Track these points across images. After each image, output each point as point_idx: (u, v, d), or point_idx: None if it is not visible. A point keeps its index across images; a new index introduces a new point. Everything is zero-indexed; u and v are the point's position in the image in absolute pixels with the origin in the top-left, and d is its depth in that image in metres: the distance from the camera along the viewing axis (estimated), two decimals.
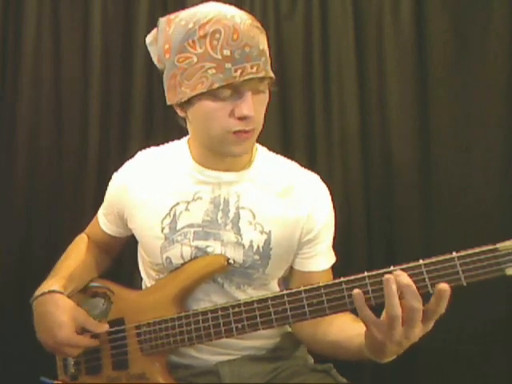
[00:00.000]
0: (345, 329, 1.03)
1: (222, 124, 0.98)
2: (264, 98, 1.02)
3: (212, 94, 0.96)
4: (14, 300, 1.79)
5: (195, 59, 0.95)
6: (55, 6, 1.84)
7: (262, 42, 0.98)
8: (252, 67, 0.95)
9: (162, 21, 1.02)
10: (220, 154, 1.06)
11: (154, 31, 1.05)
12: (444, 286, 0.81)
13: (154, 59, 1.06)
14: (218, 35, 0.93)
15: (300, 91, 1.80)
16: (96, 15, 1.82)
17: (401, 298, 0.83)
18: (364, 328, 0.90)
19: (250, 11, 1.76)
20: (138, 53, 1.80)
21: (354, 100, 1.76)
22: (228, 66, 0.93)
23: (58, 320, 1.06)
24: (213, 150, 1.06)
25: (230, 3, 1.03)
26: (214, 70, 0.94)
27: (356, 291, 0.86)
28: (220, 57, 0.93)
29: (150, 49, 1.07)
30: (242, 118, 0.97)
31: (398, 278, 0.83)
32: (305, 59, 1.79)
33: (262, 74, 0.96)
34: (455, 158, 1.74)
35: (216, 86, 0.94)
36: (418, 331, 0.84)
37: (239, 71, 0.93)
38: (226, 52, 0.93)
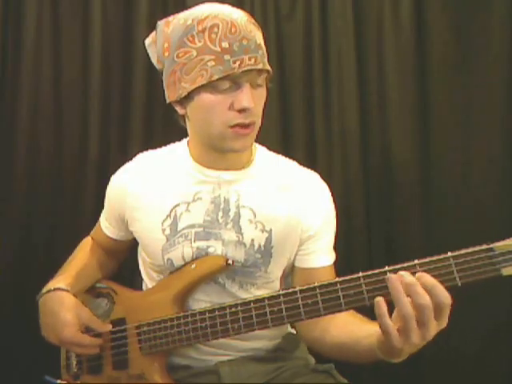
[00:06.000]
0: (354, 330, 1.01)
1: (221, 118, 0.99)
2: (262, 93, 1.03)
3: (211, 87, 0.97)
4: (14, 300, 1.79)
5: (194, 53, 0.96)
6: (55, 6, 1.83)
7: (259, 38, 1.00)
8: (250, 59, 0.96)
9: (161, 23, 1.05)
10: (220, 150, 1.06)
11: (153, 34, 1.07)
12: (428, 281, 0.78)
13: (154, 60, 1.07)
14: (216, 29, 0.95)
15: (300, 91, 1.80)
16: (96, 15, 1.81)
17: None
18: (373, 328, 0.88)
19: (250, 11, 1.76)
20: (138, 53, 1.79)
21: (354, 100, 1.76)
22: (227, 57, 0.95)
23: (62, 318, 1.07)
24: (213, 147, 1.06)
25: (230, 3, 1.04)
26: (213, 62, 0.95)
27: (378, 299, 0.80)
28: (219, 49, 0.95)
29: (149, 50, 1.09)
30: (242, 111, 0.97)
31: (402, 277, 0.79)
32: (305, 59, 1.79)
33: (260, 66, 0.98)
34: (455, 158, 1.74)
35: (215, 77, 0.95)
36: (433, 329, 0.80)
37: (238, 63, 0.95)
38: (225, 44, 0.95)
